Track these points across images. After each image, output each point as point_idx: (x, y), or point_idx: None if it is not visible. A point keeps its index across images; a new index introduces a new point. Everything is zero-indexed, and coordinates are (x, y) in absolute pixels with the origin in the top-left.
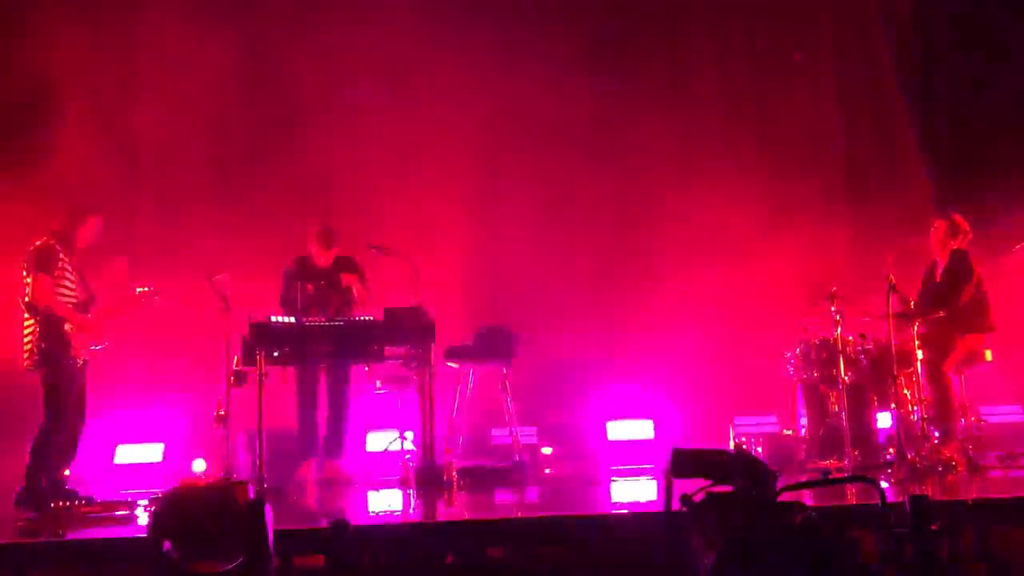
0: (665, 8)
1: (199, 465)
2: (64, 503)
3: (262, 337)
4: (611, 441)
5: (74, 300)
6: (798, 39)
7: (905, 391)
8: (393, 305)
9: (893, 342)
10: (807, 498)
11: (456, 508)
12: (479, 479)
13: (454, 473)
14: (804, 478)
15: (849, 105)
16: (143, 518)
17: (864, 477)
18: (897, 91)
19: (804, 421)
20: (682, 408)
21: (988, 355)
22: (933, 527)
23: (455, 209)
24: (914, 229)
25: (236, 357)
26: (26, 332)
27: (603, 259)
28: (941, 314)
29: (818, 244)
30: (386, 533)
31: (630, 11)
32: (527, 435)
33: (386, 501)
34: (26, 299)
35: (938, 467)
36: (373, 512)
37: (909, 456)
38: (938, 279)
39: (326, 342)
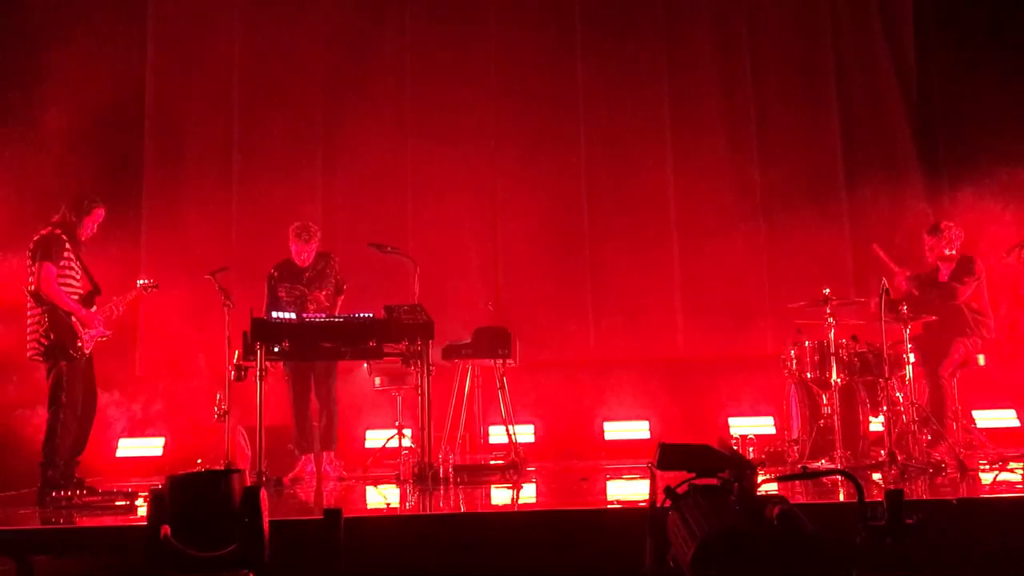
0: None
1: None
2: (67, 493)
3: (262, 332)
4: (607, 441)
5: (79, 292)
6: (798, 31)
7: (897, 393)
8: (392, 303)
9: (885, 344)
10: (796, 498)
11: (451, 502)
12: (475, 476)
13: (450, 470)
14: None
15: (850, 108)
16: (143, 509)
17: (842, 471)
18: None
19: (798, 422)
20: (678, 409)
21: (981, 359)
22: (909, 521)
23: (455, 208)
24: (908, 228)
25: (237, 352)
26: (30, 322)
27: (601, 260)
28: (933, 318)
29: (814, 244)
30: (380, 525)
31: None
32: (523, 433)
33: (382, 495)
34: (31, 288)
35: (928, 469)
36: (369, 506)
37: (900, 457)
38: (943, 278)
39: (326, 338)
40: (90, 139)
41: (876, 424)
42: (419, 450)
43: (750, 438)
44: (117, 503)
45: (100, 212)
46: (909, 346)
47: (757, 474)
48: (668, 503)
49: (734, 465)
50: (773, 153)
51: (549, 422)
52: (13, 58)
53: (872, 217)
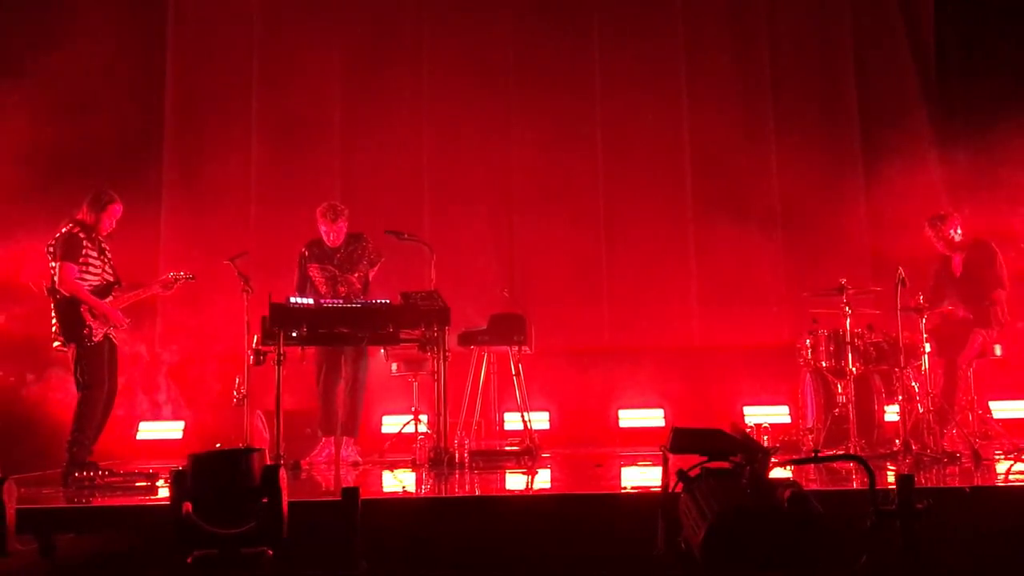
0: None
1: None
2: (88, 473)
3: (281, 318)
4: (622, 428)
5: (97, 283)
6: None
7: (913, 383)
8: (409, 289)
9: (901, 334)
10: (809, 485)
11: (466, 486)
12: (490, 461)
13: (466, 455)
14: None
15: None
16: (164, 490)
17: (853, 455)
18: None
19: (813, 411)
20: (693, 397)
21: (998, 350)
22: (919, 506)
23: (471, 195)
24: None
25: (256, 337)
26: (53, 314)
27: (617, 247)
28: (950, 308)
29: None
30: (397, 506)
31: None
32: (538, 420)
33: (398, 479)
34: (52, 284)
35: (943, 458)
36: (385, 488)
37: (915, 447)
38: (957, 273)
39: (343, 324)
40: (111, 112)
41: (892, 414)
42: (435, 435)
43: (764, 427)
44: (138, 484)
45: (117, 208)
46: (925, 336)
47: (769, 458)
48: (680, 486)
49: (746, 449)
50: (790, 138)
51: (564, 409)
52: (30, 32)
53: (889, 204)
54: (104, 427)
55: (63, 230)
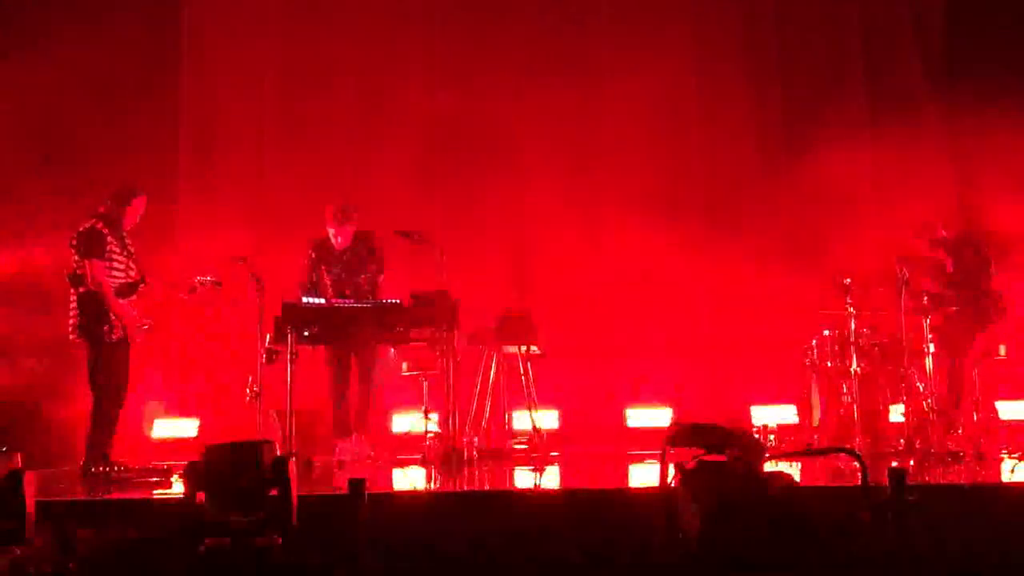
0: None
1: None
2: (104, 468)
3: (292, 317)
4: (630, 427)
5: (122, 280)
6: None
7: (918, 383)
8: (419, 289)
9: (905, 334)
10: (805, 481)
11: (475, 483)
12: (499, 459)
13: (475, 453)
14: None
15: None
16: (178, 484)
17: (844, 448)
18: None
19: (818, 411)
20: (701, 397)
21: (1003, 350)
22: (910, 499)
23: (480, 195)
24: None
25: (268, 336)
26: (72, 305)
27: (626, 246)
28: (954, 309)
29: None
30: (405, 501)
31: None
32: (547, 419)
33: (407, 476)
34: (74, 272)
35: (947, 457)
36: (394, 484)
37: (918, 446)
38: (950, 270)
39: (353, 323)
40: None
41: (897, 414)
42: (444, 434)
43: (771, 427)
44: (152, 479)
45: (141, 202)
46: (929, 336)
47: (763, 452)
48: (678, 479)
49: (743, 443)
50: (799, 136)
51: (572, 408)
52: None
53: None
54: (117, 423)
55: (86, 226)
